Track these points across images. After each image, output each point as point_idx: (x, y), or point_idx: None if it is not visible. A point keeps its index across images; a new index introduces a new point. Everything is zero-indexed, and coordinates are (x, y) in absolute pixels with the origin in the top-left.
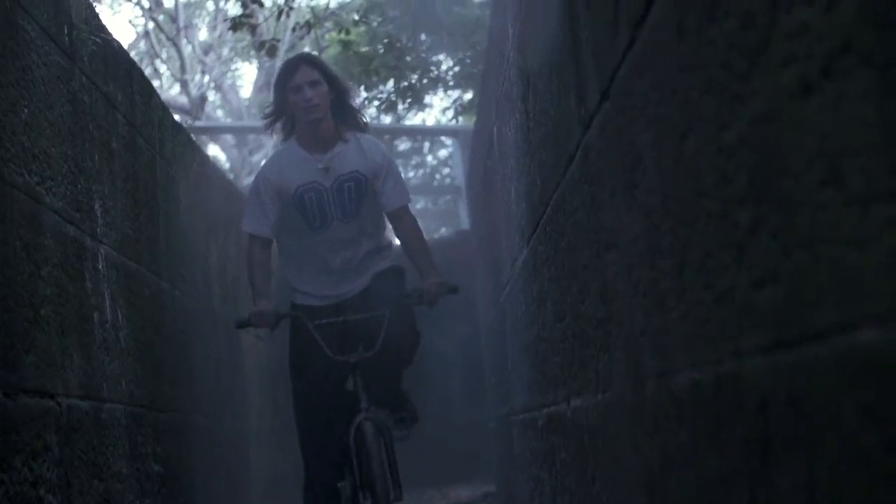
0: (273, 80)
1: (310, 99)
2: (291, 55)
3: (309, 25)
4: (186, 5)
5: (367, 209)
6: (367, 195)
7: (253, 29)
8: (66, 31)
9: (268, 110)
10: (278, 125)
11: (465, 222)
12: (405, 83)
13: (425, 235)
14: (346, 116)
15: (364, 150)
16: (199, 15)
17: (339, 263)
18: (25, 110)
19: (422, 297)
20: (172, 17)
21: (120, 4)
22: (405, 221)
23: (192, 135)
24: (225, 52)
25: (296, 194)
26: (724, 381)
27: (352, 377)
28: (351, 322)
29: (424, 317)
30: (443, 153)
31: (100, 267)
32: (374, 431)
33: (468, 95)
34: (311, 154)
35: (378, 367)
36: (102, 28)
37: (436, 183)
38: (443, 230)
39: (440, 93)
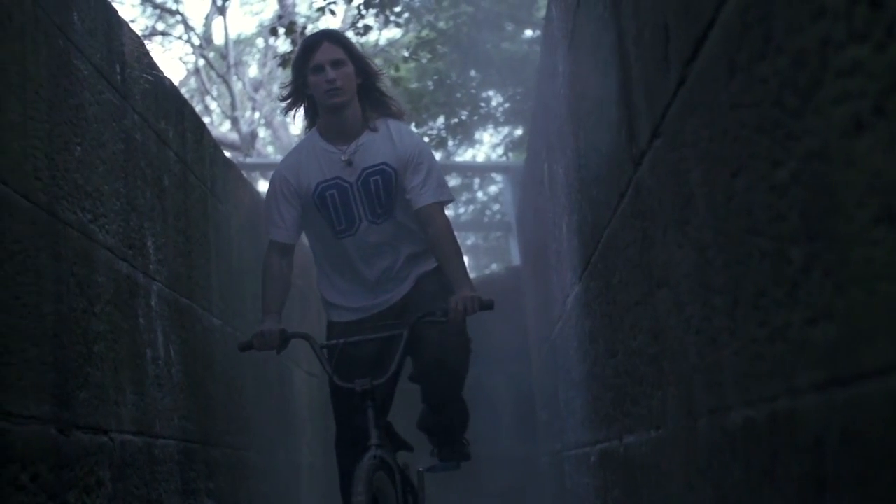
0: (293, 60)
1: (332, 80)
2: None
3: None
4: (237, 42)
5: (404, 208)
6: (400, 191)
7: None
8: (118, 70)
9: (284, 92)
10: (299, 112)
11: (515, 258)
12: (455, 120)
13: (470, 265)
14: (376, 102)
15: (394, 138)
16: (250, 52)
17: (376, 274)
18: (79, 148)
19: (447, 314)
20: (223, 54)
21: (170, 42)
22: (435, 222)
23: (243, 171)
24: (275, 88)
25: (316, 193)
26: (778, 418)
27: (362, 407)
28: (367, 342)
29: (475, 354)
30: (493, 189)
31: (152, 303)
32: (382, 475)
33: (518, 132)
34: (333, 145)
35: (432, 385)
36: (154, 66)
37: (486, 219)
38: (493, 266)
39: (490, 129)
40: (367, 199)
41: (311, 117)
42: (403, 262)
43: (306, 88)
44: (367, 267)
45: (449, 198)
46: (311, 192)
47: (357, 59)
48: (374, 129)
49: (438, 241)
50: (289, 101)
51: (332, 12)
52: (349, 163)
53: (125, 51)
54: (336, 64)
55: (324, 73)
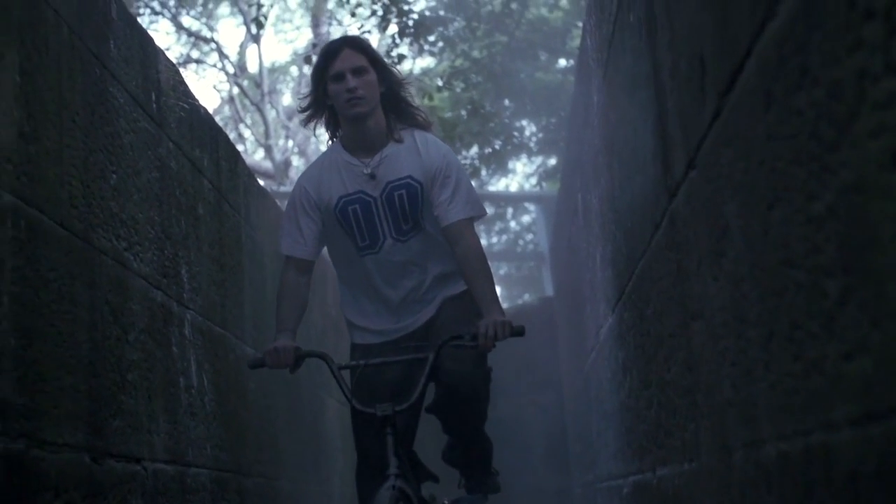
0: (312, 68)
1: (353, 89)
2: None
3: None
4: (271, 70)
5: (432, 224)
6: (427, 206)
7: None
8: (154, 98)
9: (303, 103)
10: (320, 123)
11: (548, 289)
12: (489, 149)
13: (503, 295)
14: (401, 112)
15: (420, 150)
16: (284, 80)
17: (400, 295)
18: (114, 176)
19: (476, 339)
20: (257, 82)
21: (205, 70)
22: (464, 240)
23: (277, 200)
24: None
25: (338, 207)
26: (813, 452)
27: (381, 434)
28: (390, 365)
29: (508, 384)
30: (526, 219)
31: (186, 332)
32: None
33: (552, 161)
34: (356, 158)
35: (449, 417)
36: (189, 94)
37: (519, 249)
38: (526, 296)
39: (523, 158)
40: (391, 215)
41: (332, 129)
42: (430, 283)
43: (326, 98)
44: (390, 287)
45: (479, 213)
46: (332, 206)
47: (380, 67)
48: (400, 141)
49: (467, 260)
50: (308, 112)
51: None
52: (372, 176)
53: (161, 79)
54: (357, 72)
55: (344, 82)
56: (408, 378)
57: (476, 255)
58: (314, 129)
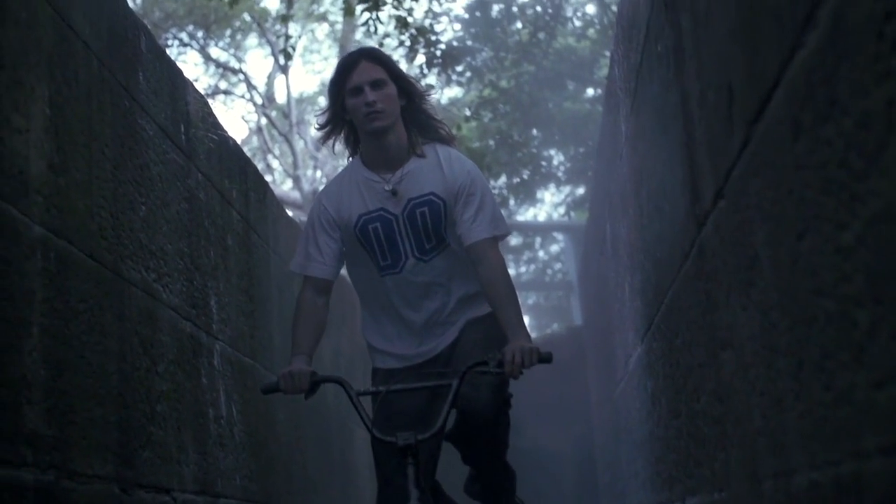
0: (329, 82)
1: (372, 103)
2: None
3: None
4: (299, 101)
5: (457, 241)
6: (451, 224)
7: None
8: (182, 130)
9: (321, 119)
10: (339, 138)
11: (577, 318)
12: (517, 179)
13: (531, 324)
14: (423, 125)
15: (443, 166)
16: (312, 111)
17: (423, 317)
18: (143, 208)
19: (502, 366)
20: (285, 113)
21: (233, 100)
22: (488, 260)
23: None
24: (337, 147)
25: (358, 226)
26: (843, 481)
27: (402, 464)
28: (412, 391)
29: (537, 414)
30: (554, 248)
31: (215, 363)
32: None
33: (580, 191)
34: (376, 174)
35: (466, 446)
36: (218, 125)
37: (547, 278)
38: (554, 326)
39: (552, 188)
40: (413, 234)
41: (352, 145)
42: (454, 305)
43: (345, 113)
44: (413, 309)
45: (504, 231)
46: (352, 224)
47: (399, 79)
48: (422, 156)
49: (491, 281)
50: (327, 128)
51: None
52: (394, 193)
53: (190, 110)
54: (376, 84)
55: (363, 95)
56: (430, 405)
57: (501, 277)
58: (333, 146)
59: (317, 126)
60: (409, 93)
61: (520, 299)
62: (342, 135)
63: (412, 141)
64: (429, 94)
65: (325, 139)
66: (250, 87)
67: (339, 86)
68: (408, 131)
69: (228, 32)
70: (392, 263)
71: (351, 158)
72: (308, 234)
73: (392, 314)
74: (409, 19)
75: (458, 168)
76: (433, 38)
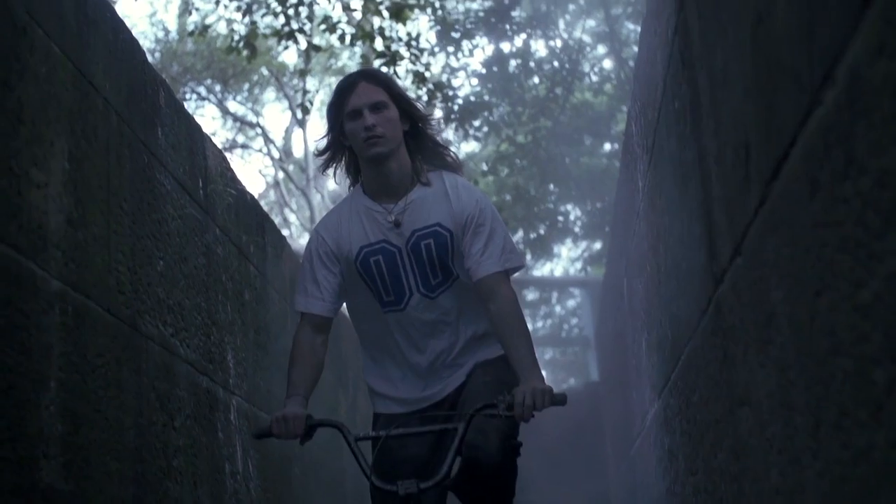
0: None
1: (371, 127)
2: None
3: None
4: (316, 155)
5: (466, 275)
6: (458, 257)
7: None
8: (200, 184)
9: (320, 144)
10: (340, 166)
11: (594, 374)
12: (534, 234)
13: (548, 379)
14: (428, 151)
15: (450, 195)
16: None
17: (429, 359)
18: (161, 262)
19: (512, 409)
20: (302, 167)
21: (250, 154)
22: (498, 296)
23: None
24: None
25: (359, 259)
26: None
27: None
28: (414, 436)
29: (552, 469)
30: (571, 304)
31: (231, 417)
32: None
33: (597, 246)
34: (378, 203)
35: (468, 496)
36: (236, 180)
37: (564, 334)
38: (571, 381)
39: (568, 243)
40: (418, 267)
41: (353, 173)
42: (463, 346)
43: (344, 138)
44: (417, 350)
45: (517, 264)
46: (352, 257)
47: (401, 101)
48: (427, 184)
49: (502, 318)
50: (326, 154)
51: None
52: (397, 223)
53: (208, 165)
54: (376, 107)
55: (362, 119)
56: (434, 452)
57: (512, 313)
58: (334, 174)
59: (315, 153)
60: (412, 116)
61: (536, 354)
62: (343, 162)
63: (416, 168)
64: (433, 118)
65: (324, 167)
66: (267, 140)
67: (338, 109)
68: (412, 157)
69: (246, 86)
70: (395, 300)
71: (352, 188)
72: (305, 270)
73: (396, 354)
74: (427, 74)
75: (466, 197)
76: (450, 92)
